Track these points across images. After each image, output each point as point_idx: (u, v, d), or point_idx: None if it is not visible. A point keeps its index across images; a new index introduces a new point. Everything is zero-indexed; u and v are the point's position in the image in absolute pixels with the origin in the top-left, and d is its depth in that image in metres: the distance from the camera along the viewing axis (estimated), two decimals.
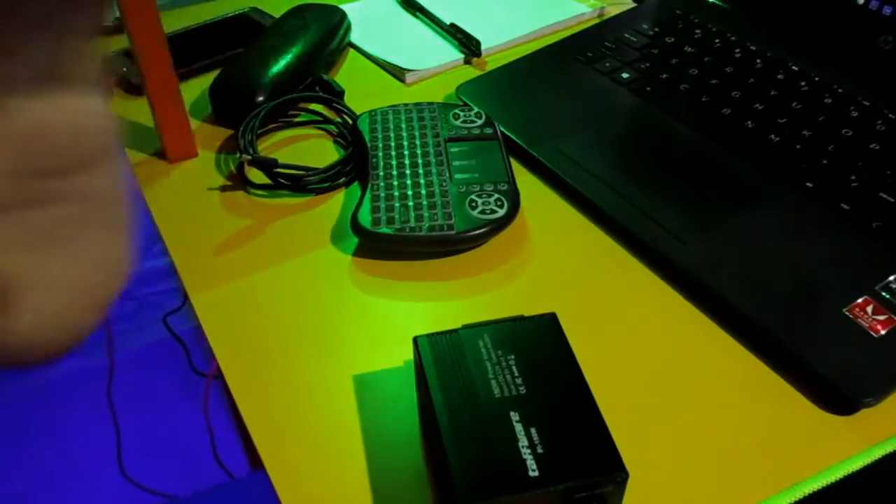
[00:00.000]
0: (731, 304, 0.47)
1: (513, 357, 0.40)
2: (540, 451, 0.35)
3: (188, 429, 1.29)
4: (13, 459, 1.31)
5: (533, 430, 0.36)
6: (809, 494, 0.39)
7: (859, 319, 0.45)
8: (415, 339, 0.41)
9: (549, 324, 0.42)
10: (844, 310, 0.46)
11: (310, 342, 0.48)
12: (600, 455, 0.35)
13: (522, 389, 0.38)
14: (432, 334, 0.41)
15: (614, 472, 0.35)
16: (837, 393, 0.43)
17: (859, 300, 0.46)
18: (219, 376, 0.47)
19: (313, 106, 0.67)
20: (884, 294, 0.46)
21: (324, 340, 0.48)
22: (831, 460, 0.40)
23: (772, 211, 0.53)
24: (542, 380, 0.39)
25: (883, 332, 0.44)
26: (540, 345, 0.41)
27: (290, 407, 0.44)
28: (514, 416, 0.37)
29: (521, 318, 0.42)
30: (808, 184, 0.54)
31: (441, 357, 0.40)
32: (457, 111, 0.62)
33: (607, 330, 0.48)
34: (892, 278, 0.47)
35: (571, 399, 0.38)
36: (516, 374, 0.39)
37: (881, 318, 0.45)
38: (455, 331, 0.41)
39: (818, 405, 0.43)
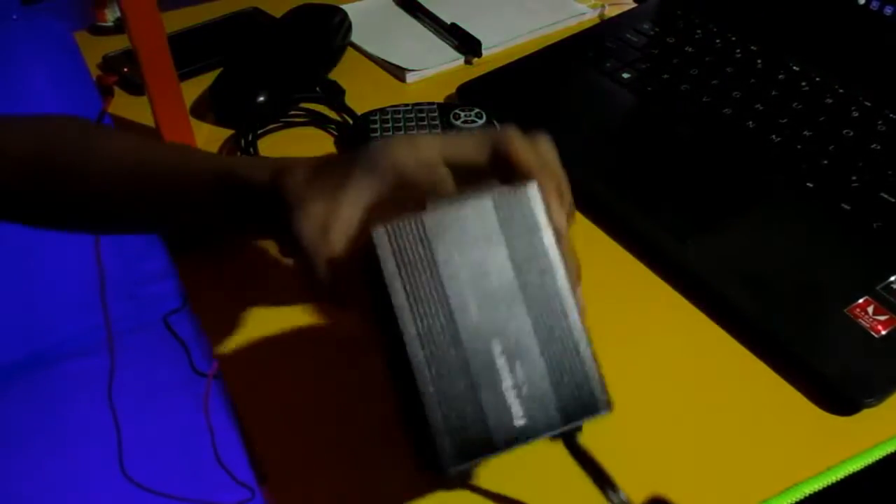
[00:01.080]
0: (731, 304, 0.47)
1: (499, 251, 0.31)
2: (525, 391, 0.30)
3: (188, 429, 1.29)
4: (13, 459, 1.31)
5: (518, 365, 0.31)
6: (810, 494, 0.39)
7: (860, 320, 0.45)
8: (371, 235, 0.31)
9: (526, 200, 0.32)
10: (845, 310, 0.46)
11: (310, 342, 0.48)
12: (587, 390, 0.31)
13: (504, 307, 0.31)
14: (395, 224, 0.31)
15: (601, 411, 0.31)
16: (838, 393, 0.43)
17: (860, 300, 0.46)
18: (219, 376, 0.47)
19: (313, 106, 0.67)
20: (885, 294, 0.46)
21: (324, 340, 0.48)
22: (832, 460, 0.40)
23: (772, 211, 0.53)
24: (525, 288, 0.31)
25: (884, 333, 0.44)
26: (519, 231, 0.32)
27: (291, 406, 0.44)
28: (497, 349, 0.31)
29: (496, 190, 0.32)
30: (808, 184, 0.54)
31: (408, 260, 0.31)
32: (457, 111, 0.62)
33: (606, 330, 0.47)
34: (893, 278, 0.47)
35: (555, 312, 0.32)
36: (497, 282, 0.31)
37: (882, 318, 0.45)
38: (423, 217, 0.31)
39: (819, 405, 0.43)
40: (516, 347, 0.31)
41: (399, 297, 0.30)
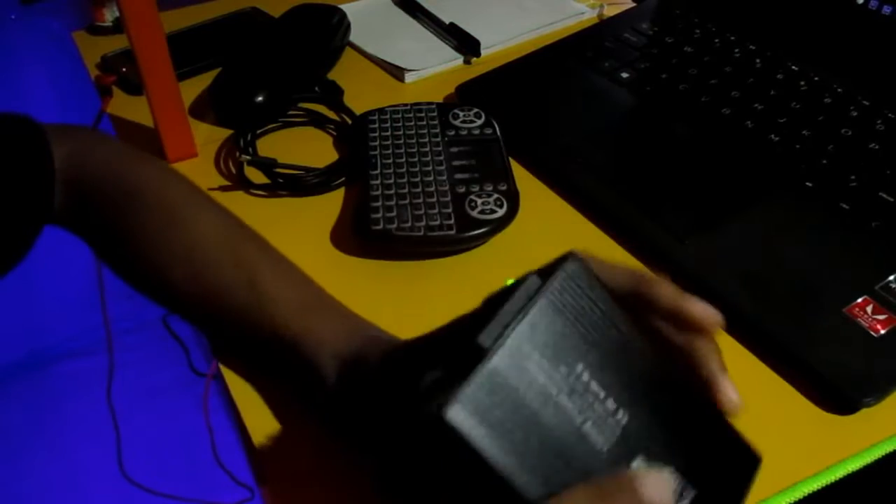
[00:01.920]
0: (730, 304, 0.47)
1: (582, 366, 0.24)
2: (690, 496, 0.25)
3: (188, 429, 1.29)
4: (13, 459, 1.31)
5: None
6: (809, 494, 0.39)
7: (859, 319, 0.45)
8: (440, 417, 0.23)
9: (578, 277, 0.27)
10: (844, 310, 0.46)
11: None
12: (740, 455, 0.28)
13: (623, 415, 0.24)
14: (452, 392, 0.23)
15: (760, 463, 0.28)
16: (837, 393, 0.43)
17: (859, 300, 0.46)
18: (219, 376, 0.47)
19: (313, 106, 0.67)
20: (883, 294, 0.46)
21: None
22: (831, 460, 0.40)
23: (771, 211, 0.53)
24: (633, 380, 0.25)
25: (883, 332, 0.44)
26: (594, 317, 0.25)
27: (291, 406, 0.44)
28: (638, 464, 0.24)
29: (538, 287, 0.26)
30: (807, 183, 0.54)
31: (494, 419, 0.23)
32: (456, 111, 0.62)
33: None
34: (891, 278, 0.47)
35: (671, 390, 0.26)
36: (601, 393, 0.24)
37: (881, 317, 0.45)
38: (482, 359, 0.23)
39: (818, 405, 0.43)
40: (655, 456, 0.24)
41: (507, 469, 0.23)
